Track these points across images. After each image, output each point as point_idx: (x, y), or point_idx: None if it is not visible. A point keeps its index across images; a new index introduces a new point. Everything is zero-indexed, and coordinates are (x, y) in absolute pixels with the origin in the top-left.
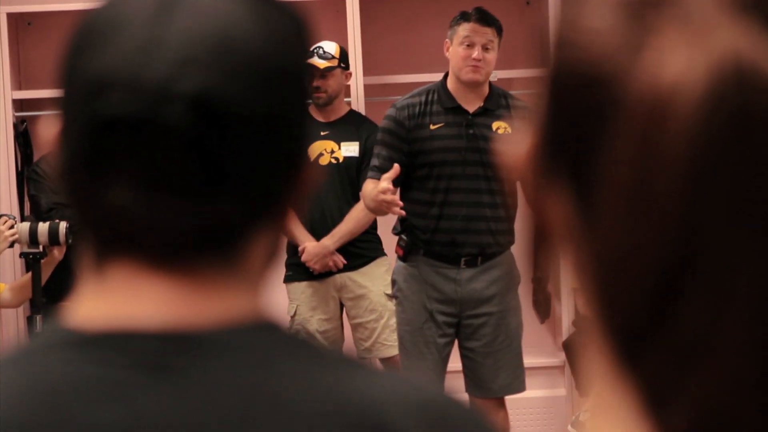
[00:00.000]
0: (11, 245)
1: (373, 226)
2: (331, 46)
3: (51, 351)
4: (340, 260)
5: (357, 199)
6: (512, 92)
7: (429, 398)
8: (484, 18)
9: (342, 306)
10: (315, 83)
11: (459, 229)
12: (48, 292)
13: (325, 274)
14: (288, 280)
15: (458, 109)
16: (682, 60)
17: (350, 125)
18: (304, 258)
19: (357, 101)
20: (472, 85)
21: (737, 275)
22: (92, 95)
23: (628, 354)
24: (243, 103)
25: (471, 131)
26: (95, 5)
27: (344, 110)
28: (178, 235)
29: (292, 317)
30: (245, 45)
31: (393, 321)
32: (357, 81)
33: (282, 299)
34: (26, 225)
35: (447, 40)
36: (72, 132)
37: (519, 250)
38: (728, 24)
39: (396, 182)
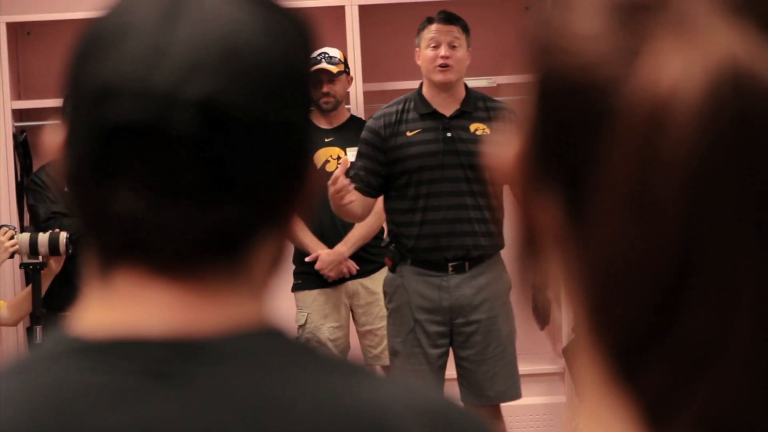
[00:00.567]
0: (11, 256)
1: (382, 231)
2: (335, 52)
3: (57, 359)
4: (354, 266)
5: None
6: (511, 98)
7: (434, 405)
8: (447, 17)
9: (351, 313)
10: (324, 89)
11: (443, 232)
12: (48, 302)
13: (337, 282)
14: (297, 288)
15: (434, 114)
16: (678, 66)
17: (354, 130)
18: (318, 266)
19: (356, 108)
20: (445, 87)
21: (740, 283)
22: (99, 102)
23: (625, 366)
24: (249, 109)
25: (448, 134)
26: (101, 12)
27: (346, 116)
28: (183, 241)
29: (302, 326)
30: (251, 51)
31: None
32: (356, 87)
33: (289, 307)
34: (26, 236)
35: (416, 48)
36: (78, 138)
37: (511, 255)
38: (722, 28)
39: (377, 193)
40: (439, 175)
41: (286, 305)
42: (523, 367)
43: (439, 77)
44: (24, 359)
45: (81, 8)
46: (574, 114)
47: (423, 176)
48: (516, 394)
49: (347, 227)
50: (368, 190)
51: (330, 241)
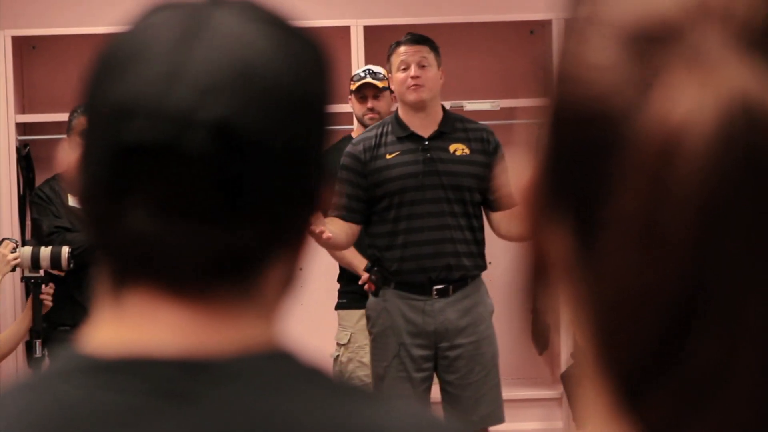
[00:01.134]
0: (13, 269)
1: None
2: (380, 69)
3: (67, 377)
4: None
5: None
6: (516, 121)
7: (437, 429)
8: (414, 39)
9: None
10: (369, 104)
11: (426, 254)
12: (48, 316)
13: None
14: (342, 307)
15: (413, 136)
16: (690, 99)
17: None
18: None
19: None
20: (419, 106)
21: (747, 317)
22: (115, 121)
23: (630, 395)
24: (264, 132)
25: (428, 155)
26: (120, 31)
27: None
28: (196, 261)
29: (344, 345)
30: (267, 73)
31: None
32: None
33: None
34: (28, 249)
35: (389, 74)
36: (93, 157)
37: (512, 280)
38: (736, 63)
39: (360, 218)
40: (419, 196)
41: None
42: (520, 392)
43: (412, 96)
44: (32, 377)
45: (86, 23)
46: (586, 144)
47: (404, 198)
48: (500, 418)
49: None
50: (351, 215)
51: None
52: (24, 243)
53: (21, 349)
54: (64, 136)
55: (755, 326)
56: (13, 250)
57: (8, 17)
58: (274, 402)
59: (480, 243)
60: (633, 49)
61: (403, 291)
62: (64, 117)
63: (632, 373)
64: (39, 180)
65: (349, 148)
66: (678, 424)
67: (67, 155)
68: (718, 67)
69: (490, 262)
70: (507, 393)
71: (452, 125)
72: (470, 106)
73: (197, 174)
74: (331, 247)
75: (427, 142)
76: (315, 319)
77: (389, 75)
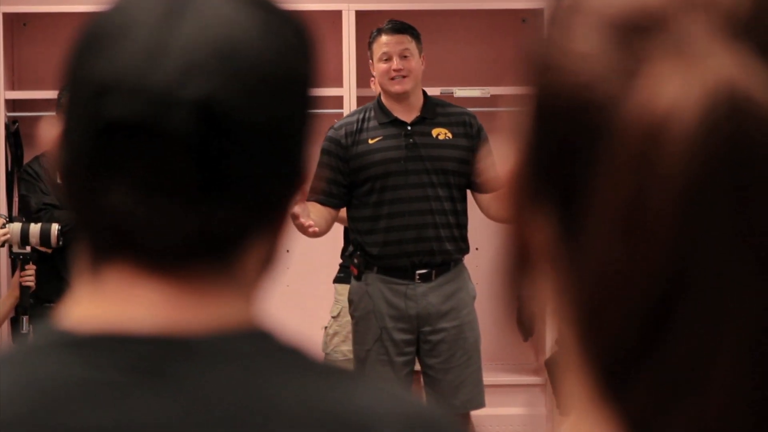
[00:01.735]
0: (2, 245)
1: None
2: None
3: (44, 352)
4: None
5: None
6: (506, 108)
7: (417, 411)
8: (395, 27)
9: None
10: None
11: (409, 238)
12: (35, 293)
13: None
14: (339, 281)
15: (396, 122)
16: (675, 87)
17: None
18: None
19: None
20: (401, 97)
21: (729, 304)
22: (96, 98)
23: (613, 380)
24: (246, 110)
25: (411, 140)
26: (103, 8)
27: None
28: (175, 239)
29: (335, 317)
30: (249, 53)
31: None
32: (350, 93)
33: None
34: (18, 225)
35: (370, 60)
36: (74, 133)
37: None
38: (721, 51)
39: (340, 203)
40: (402, 181)
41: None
42: (504, 378)
43: (395, 88)
44: (10, 352)
45: (77, 1)
46: (570, 132)
47: (387, 182)
48: (481, 403)
49: None
50: (330, 200)
51: None
52: (11, 219)
53: (7, 324)
54: (53, 113)
55: (738, 314)
56: (2, 226)
57: None
58: (251, 380)
59: (463, 227)
60: (617, 38)
61: (386, 275)
62: (53, 94)
63: (613, 360)
64: (27, 157)
65: (330, 133)
66: (658, 413)
67: (49, 132)
68: (703, 56)
69: (476, 248)
70: (491, 378)
71: (434, 110)
72: (460, 93)
73: (178, 152)
74: (311, 236)
75: (409, 127)
76: (300, 299)
77: (370, 62)
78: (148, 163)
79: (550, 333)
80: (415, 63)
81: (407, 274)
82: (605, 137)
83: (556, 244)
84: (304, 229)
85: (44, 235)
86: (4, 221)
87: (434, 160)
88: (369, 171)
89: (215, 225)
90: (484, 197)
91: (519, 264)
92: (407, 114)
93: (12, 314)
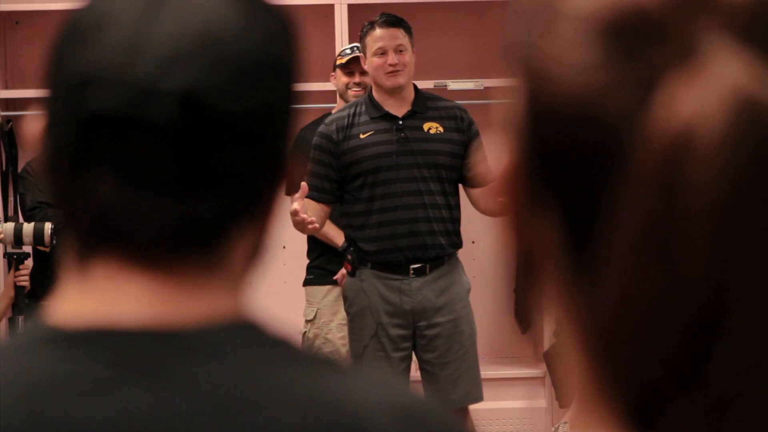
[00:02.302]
0: None
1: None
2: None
3: (31, 348)
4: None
5: None
6: (500, 101)
7: (406, 401)
8: (389, 21)
9: None
10: (357, 79)
11: (402, 233)
12: (31, 292)
13: None
14: (309, 283)
15: (387, 116)
16: (693, 99)
17: None
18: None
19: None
20: (396, 91)
21: None
22: (78, 91)
23: (643, 410)
24: (229, 101)
25: (402, 134)
26: (83, 2)
27: None
28: (160, 232)
29: (311, 321)
30: (231, 43)
31: None
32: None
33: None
34: (11, 225)
35: (361, 54)
36: (57, 128)
37: (495, 260)
38: (728, 57)
39: (333, 199)
40: (394, 175)
41: (272, 300)
42: (503, 371)
43: (391, 82)
44: None
45: None
46: (573, 145)
47: (378, 177)
48: (479, 397)
49: None
50: (323, 196)
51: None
52: (6, 219)
53: (4, 324)
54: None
55: None
56: None
57: None
58: (239, 373)
59: (456, 221)
60: (619, 47)
61: (380, 270)
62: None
63: (645, 391)
64: (21, 156)
65: (321, 128)
66: None
67: (33, 130)
68: (713, 64)
69: (473, 242)
70: (490, 372)
71: (425, 104)
72: (454, 85)
73: (161, 143)
74: (310, 232)
75: (401, 122)
76: (297, 296)
77: (362, 56)
78: (132, 155)
79: (549, 325)
80: (409, 57)
81: (401, 269)
82: (620, 151)
83: (561, 254)
84: (303, 226)
85: (38, 235)
86: None
87: (426, 154)
88: (361, 166)
89: (200, 217)
90: (475, 191)
91: (519, 264)
92: (398, 108)
93: (10, 314)
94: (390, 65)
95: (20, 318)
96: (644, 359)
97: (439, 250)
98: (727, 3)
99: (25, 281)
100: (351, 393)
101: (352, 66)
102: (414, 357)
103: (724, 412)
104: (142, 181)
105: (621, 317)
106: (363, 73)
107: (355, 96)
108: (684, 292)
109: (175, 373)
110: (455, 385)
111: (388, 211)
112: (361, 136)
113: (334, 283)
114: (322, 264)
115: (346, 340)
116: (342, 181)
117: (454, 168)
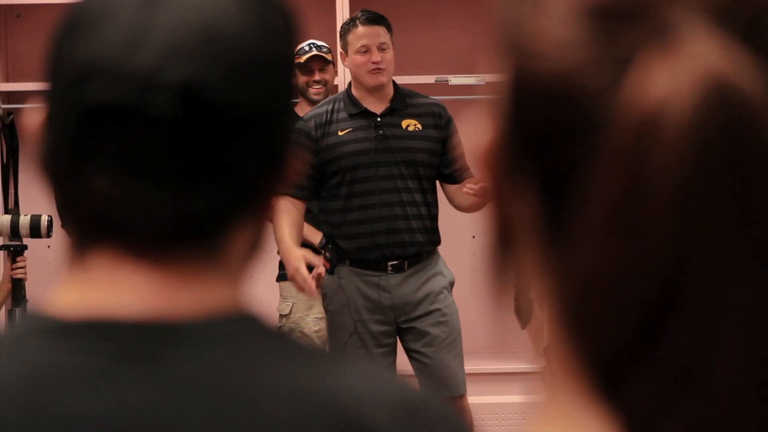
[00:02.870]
0: None
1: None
2: (322, 42)
3: (29, 339)
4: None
5: None
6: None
7: (405, 395)
8: (372, 19)
9: None
10: (317, 77)
11: (380, 230)
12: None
13: None
14: (283, 278)
15: (365, 113)
16: (665, 79)
17: None
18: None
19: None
20: (378, 89)
21: (729, 300)
22: (78, 83)
23: (606, 380)
24: (228, 94)
25: (380, 132)
26: None
27: None
28: (159, 223)
29: (286, 316)
30: (231, 36)
31: None
32: (343, 80)
33: (273, 297)
34: (7, 218)
35: (341, 51)
36: (56, 119)
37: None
38: (706, 39)
39: (310, 195)
40: (372, 173)
41: (269, 294)
42: (502, 366)
43: (374, 80)
44: None
45: None
46: (552, 122)
47: (357, 174)
48: (461, 390)
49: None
50: (300, 193)
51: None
52: (6, 212)
53: (2, 316)
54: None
55: (737, 312)
56: None
57: None
58: (238, 364)
59: (434, 218)
60: (600, 25)
61: (358, 267)
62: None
63: (608, 358)
64: (23, 149)
65: (299, 125)
66: (657, 412)
67: (32, 121)
68: (689, 45)
69: (473, 237)
70: (489, 366)
71: (404, 101)
72: (455, 80)
73: (160, 136)
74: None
75: (379, 119)
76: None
77: (342, 53)
78: (131, 147)
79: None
80: (391, 55)
81: (379, 266)
82: (593, 130)
83: (540, 229)
84: (314, 283)
85: (34, 227)
86: None
87: (404, 151)
88: (339, 163)
89: (199, 209)
90: (451, 188)
91: (502, 239)
92: (377, 105)
93: (10, 306)
94: (374, 63)
95: (18, 310)
96: (609, 330)
97: (418, 247)
98: None
99: (22, 274)
100: (352, 385)
101: (311, 64)
102: (403, 351)
103: (685, 383)
104: (141, 173)
105: (589, 289)
106: (322, 70)
107: (316, 94)
108: (646, 267)
109: (174, 364)
110: (442, 375)
111: (367, 208)
112: (340, 133)
113: None
114: None
115: (322, 334)
116: (320, 178)
117: (432, 165)
